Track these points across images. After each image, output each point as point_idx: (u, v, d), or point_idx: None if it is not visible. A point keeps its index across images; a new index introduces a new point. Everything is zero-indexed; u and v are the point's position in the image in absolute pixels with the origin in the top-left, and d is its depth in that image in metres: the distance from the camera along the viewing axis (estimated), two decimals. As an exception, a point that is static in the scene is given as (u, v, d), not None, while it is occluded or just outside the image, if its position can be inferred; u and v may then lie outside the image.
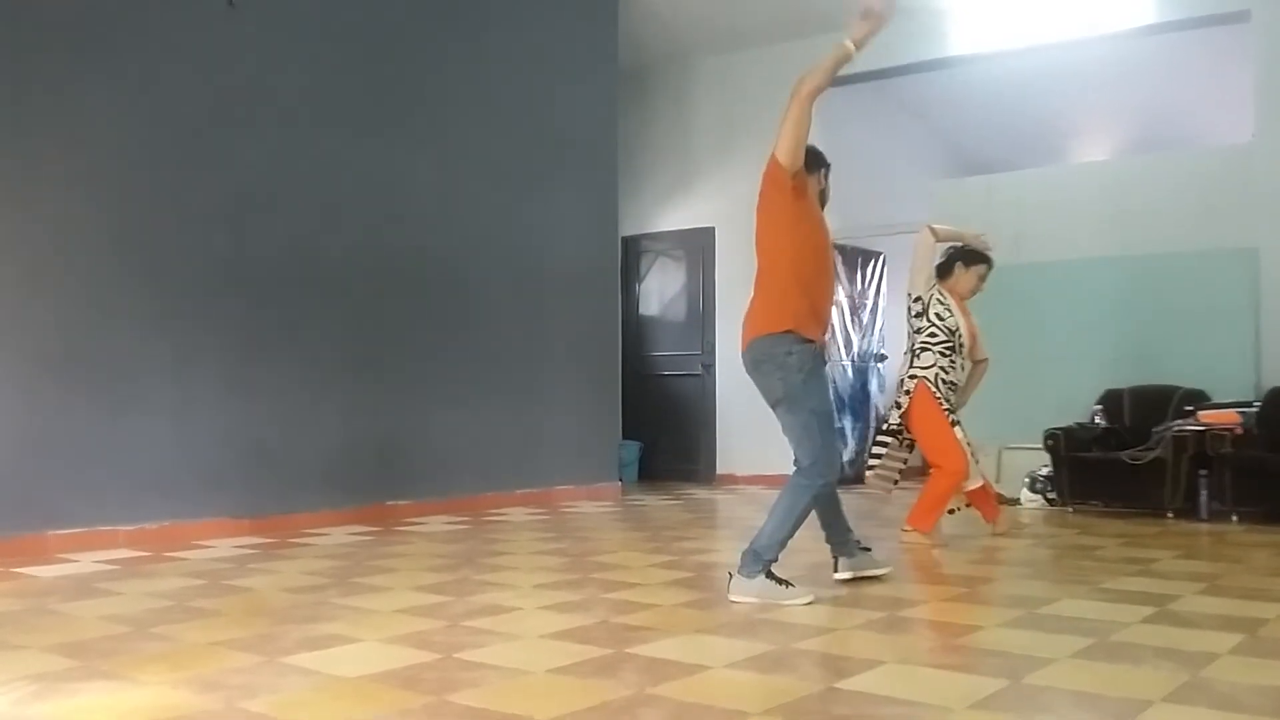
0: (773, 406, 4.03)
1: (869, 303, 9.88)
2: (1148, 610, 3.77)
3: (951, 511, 5.78)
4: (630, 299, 10.09)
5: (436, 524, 6.48)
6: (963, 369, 5.73)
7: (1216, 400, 6.96)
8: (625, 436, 9.04)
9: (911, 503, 5.79)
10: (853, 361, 9.62)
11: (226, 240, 6.05)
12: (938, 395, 5.52)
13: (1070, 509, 7.17)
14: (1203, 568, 4.91)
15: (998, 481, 7.24)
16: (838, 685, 2.79)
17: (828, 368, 4.32)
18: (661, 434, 9.86)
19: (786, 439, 4.03)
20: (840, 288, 9.18)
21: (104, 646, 3.25)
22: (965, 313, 5.78)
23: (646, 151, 10.02)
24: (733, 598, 3.97)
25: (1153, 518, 6.73)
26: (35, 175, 5.34)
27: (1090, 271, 7.87)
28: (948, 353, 5.59)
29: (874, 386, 9.84)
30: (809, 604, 3.89)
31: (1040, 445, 7.25)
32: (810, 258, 4.00)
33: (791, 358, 3.92)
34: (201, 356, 5.89)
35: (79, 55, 5.51)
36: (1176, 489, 6.69)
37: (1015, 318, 7.63)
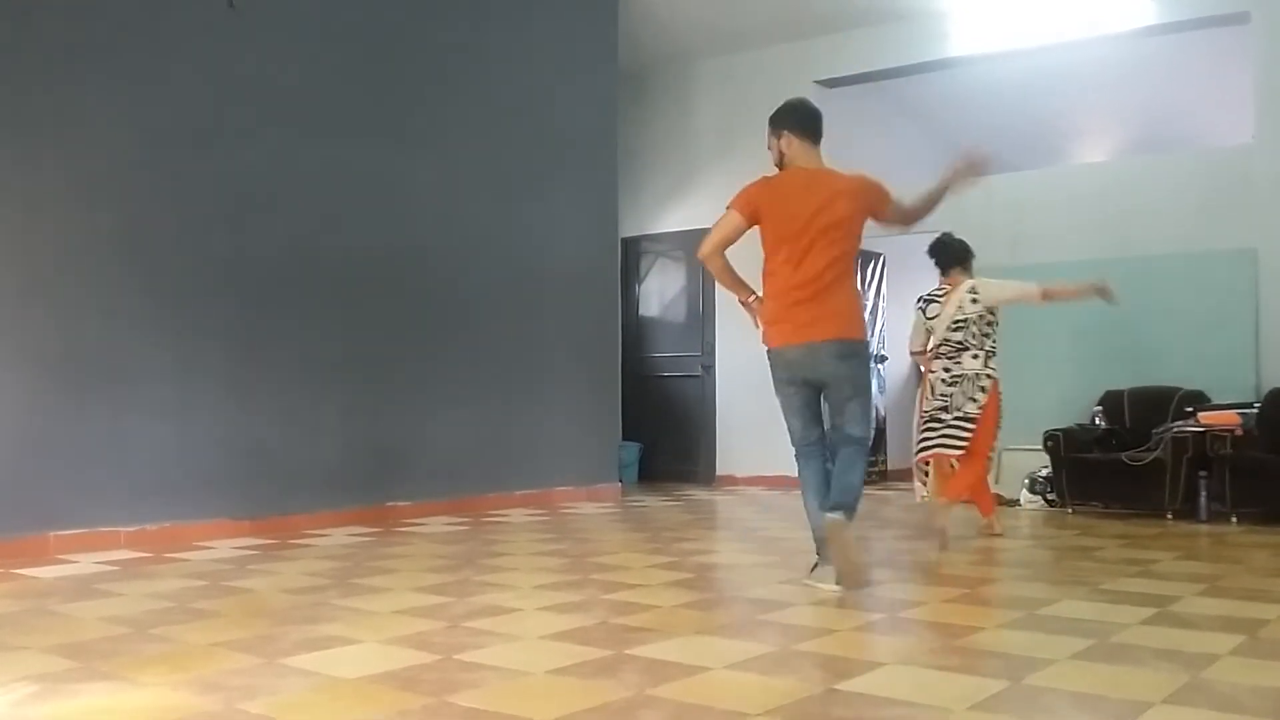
0: (852, 395, 4.30)
1: (869, 304, 9.88)
2: (1148, 611, 3.77)
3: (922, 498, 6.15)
4: (630, 300, 10.09)
5: (436, 525, 6.48)
6: None
7: (1216, 401, 6.96)
8: (625, 437, 9.04)
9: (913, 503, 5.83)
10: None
11: (227, 241, 6.05)
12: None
13: (1070, 510, 7.17)
14: (1203, 569, 4.91)
15: (997, 483, 7.22)
16: (838, 687, 2.79)
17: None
18: (661, 435, 9.86)
19: (852, 420, 4.29)
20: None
21: (104, 648, 3.25)
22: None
23: (646, 152, 10.02)
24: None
25: (1152, 519, 6.73)
26: (36, 176, 5.34)
27: (1090, 272, 7.82)
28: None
29: (874, 388, 9.83)
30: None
31: (1040, 446, 7.25)
32: None
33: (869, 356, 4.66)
34: (202, 357, 5.89)
35: (80, 57, 5.51)
36: (1176, 490, 6.69)
37: (1015, 318, 7.60)
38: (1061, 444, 7.12)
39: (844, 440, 4.28)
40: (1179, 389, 7.18)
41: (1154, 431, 6.89)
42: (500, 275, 7.57)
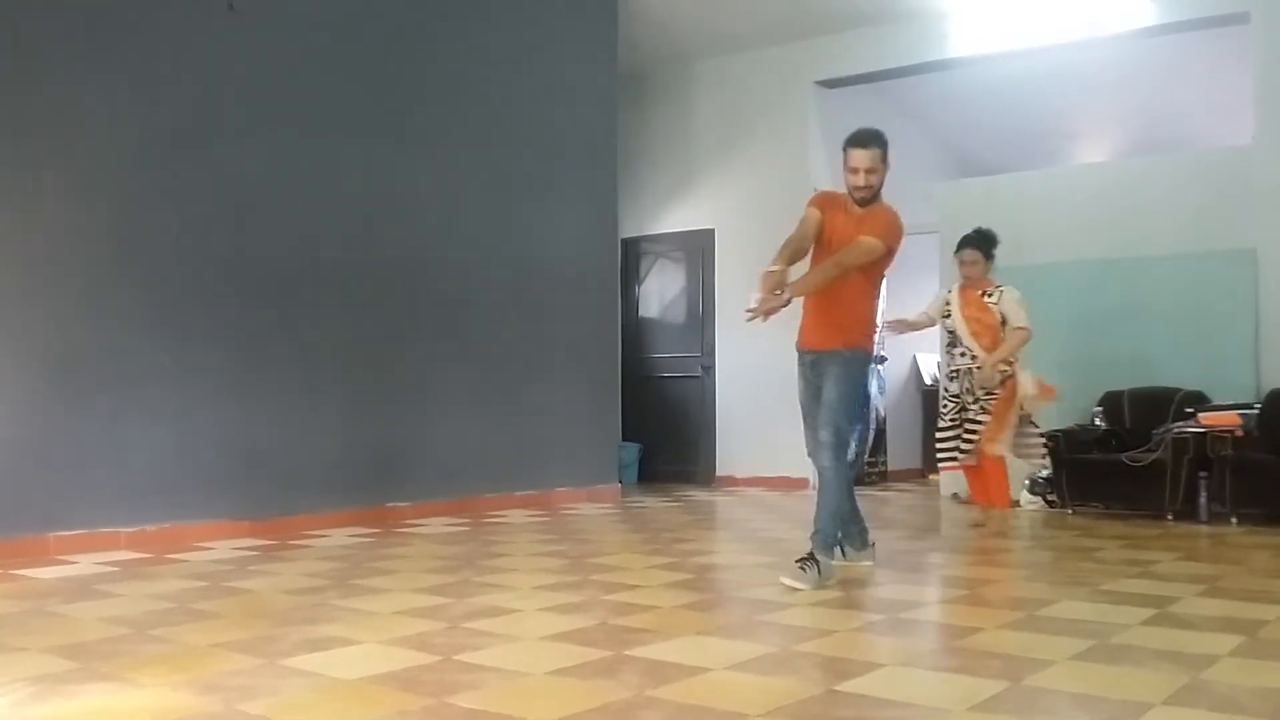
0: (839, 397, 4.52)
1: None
2: (1148, 612, 3.77)
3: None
4: (630, 301, 10.09)
5: (436, 526, 6.48)
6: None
7: (1216, 402, 6.95)
8: (625, 438, 9.03)
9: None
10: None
11: (226, 242, 6.05)
12: None
13: (1070, 511, 7.17)
14: (1203, 570, 4.91)
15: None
16: (838, 687, 2.79)
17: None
18: (661, 436, 9.86)
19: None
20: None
21: (104, 648, 3.25)
22: (967, 304, 6.17)
23: (646, 153, 10.02)
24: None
25: (1153, 519, 6.72)
26: (36, 177, 5.34)
27: (1090, 273, 7.87)
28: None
29: (874, 388, 9.83)
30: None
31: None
32: None
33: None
34: (201, 358, 5.89)
35: (80, 58, 5.51)
36: (1176, 491, 6.69)
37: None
38: (1062, 445, 7.12)
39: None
40: (1179, 390, 7.18)
41: (1154, 432, 6.89)
42: (500, 275, 7.57)
